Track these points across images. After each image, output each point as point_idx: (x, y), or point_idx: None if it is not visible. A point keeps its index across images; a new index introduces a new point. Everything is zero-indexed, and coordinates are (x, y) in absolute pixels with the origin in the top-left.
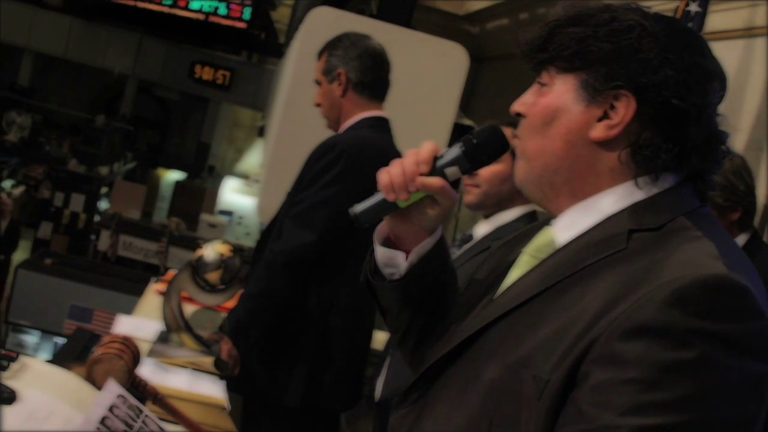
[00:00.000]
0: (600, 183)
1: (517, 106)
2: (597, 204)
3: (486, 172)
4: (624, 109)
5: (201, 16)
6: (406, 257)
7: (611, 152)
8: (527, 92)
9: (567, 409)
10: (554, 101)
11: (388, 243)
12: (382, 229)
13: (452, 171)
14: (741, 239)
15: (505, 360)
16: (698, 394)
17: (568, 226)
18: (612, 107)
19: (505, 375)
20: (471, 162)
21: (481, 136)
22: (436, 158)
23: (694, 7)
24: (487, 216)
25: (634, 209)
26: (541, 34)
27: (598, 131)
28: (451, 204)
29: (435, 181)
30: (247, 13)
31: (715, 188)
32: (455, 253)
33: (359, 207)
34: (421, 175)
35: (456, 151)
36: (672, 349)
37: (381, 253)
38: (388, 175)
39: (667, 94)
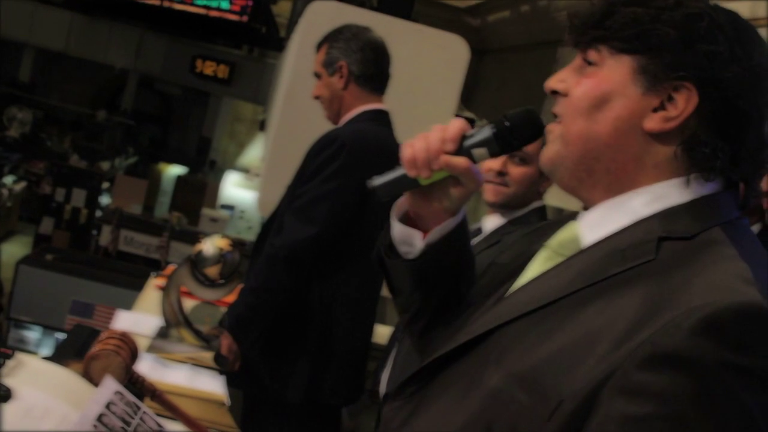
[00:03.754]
0: (640, 178)
1: (555, 83)
2: (629, 203)
3: (517, 173)
4: (684, 103)
5: (202, 11)
6: (424, 236)
7: (662, 146)
8: (565, 69)
9: None
10: (606, 83)
11: (406, 219)
12: (401, 204)
13: (480, 152)
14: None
15: (512, 369)
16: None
17: (595, 225)
18: (670, 98)
19: (511, 385)
20: (501, 145)
21: (514, 118)
22: (464, 137)
23: None
24: (500, 212)
25: (667, 214)
26: (598, 9)
27: (654, 122)
28: (477, 187)
29: (460, 161)
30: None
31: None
32: None
33: (378, 180)
34: (447, 153)
35: (486, 132)
36: (701, 382)
37: (398, 229)
38: (411, 150)
39: (732, 92)
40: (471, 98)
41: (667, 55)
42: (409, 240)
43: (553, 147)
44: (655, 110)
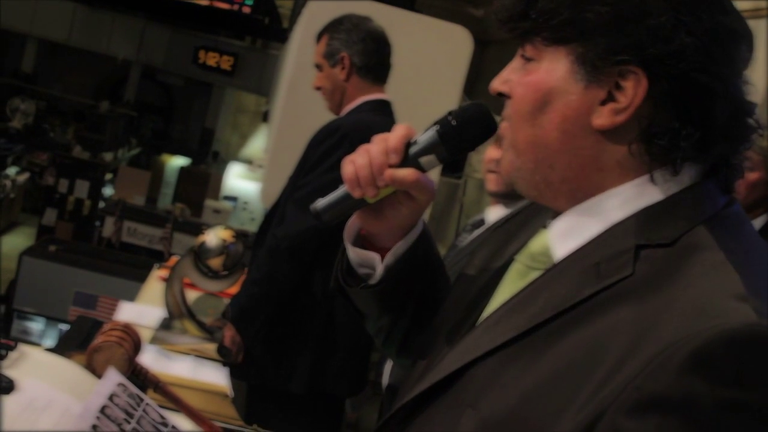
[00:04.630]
0: (605, 181)
1: (498, 85)
2: (600, 207)
3: None
4: (633, 89)
5: (205, 1)
6: (383, 258)
7: (619, 142)
8: (508, 67)
9: None
10: (544, 81)
11: (361, 239)
12: (352, 225)
13: (428, 160)
14: (759, 221)
15: (488, 414)
16: None
17: (566, 235)
18: (618, 87)
19: None
20: (449, 149)
21: (461, 116)
22: (409, 144)
23: None
24: (503, 204)
25: (643, 216)
26: None
27: (603, 118)
28: (430, 198)
29: (407, 174)
30: None
31: (743, 174)
32: (467, 238)
33: (321, 202)
34: (392, 166)
35: (431, 134)
36: (696, 427)
37: (353, 253)
38: (352, 167)
39: (686, 66)
40: (474, 89)
41: (603, 38)
42: (367, 262)
43: (507, 156)
44: (602, 103)
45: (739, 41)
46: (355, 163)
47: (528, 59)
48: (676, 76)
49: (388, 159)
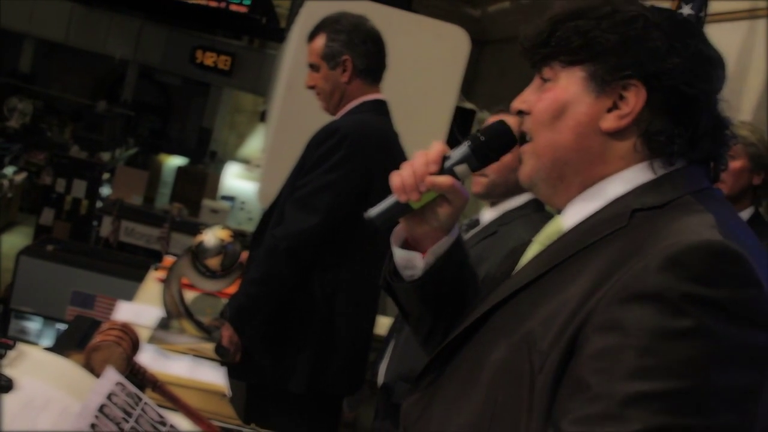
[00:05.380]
0: (608, 170)
1: (519, 104)
2: (603, 189)
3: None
4: (634, 99)
5: (202, 1)
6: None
7: (622, 141)
8: (528, 89)
9: (566, 380)
10: (562, 95)
11: (407, 245)
12: (399, 231)
13: (461, 169)
14: (746, 213)
15: (508, 340)
16: (695, 360)
17: (575, 212)
18: (621, 97)
19: (509, 355)
20: (479, 159)
21: (488, 132)
22: (445, 158)
23: None
24: (493, 204)
25: (639, 190)
26: (543, 29)
27: (609, 122)
28: (464, 203)
29: (444, 179)
30: None
31: (727, 167)
32: (462, 237)
33: (374, 210)
34: (431, 174)
35: (464, 149)
36: (668, 315)
37: (399, 255)
38: (399, 177)
39: (676, 81)
40: (471, 89)
41: (611, 58)
42: (410, 263)
43: (528, 163)
44: (609, 110)
45: (716, 65)
46: (401, 174)
47: (546, 80)
48: (668, 88)
49: (428, 168)
